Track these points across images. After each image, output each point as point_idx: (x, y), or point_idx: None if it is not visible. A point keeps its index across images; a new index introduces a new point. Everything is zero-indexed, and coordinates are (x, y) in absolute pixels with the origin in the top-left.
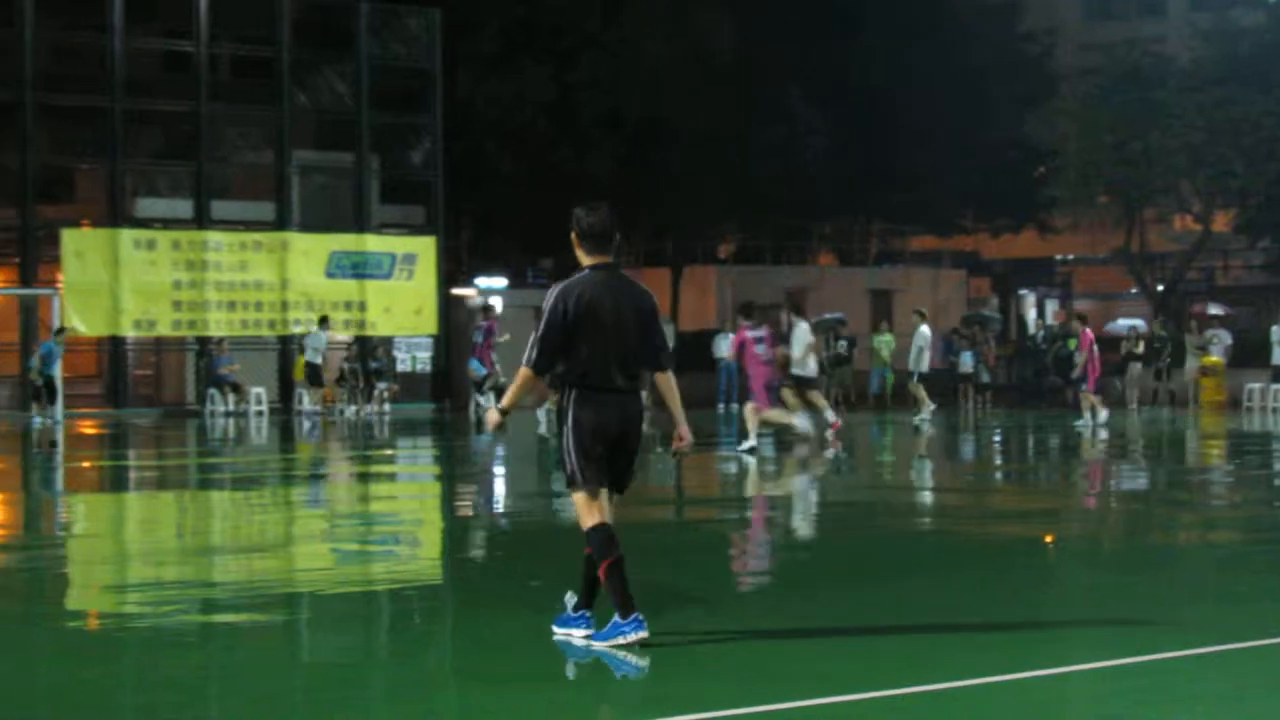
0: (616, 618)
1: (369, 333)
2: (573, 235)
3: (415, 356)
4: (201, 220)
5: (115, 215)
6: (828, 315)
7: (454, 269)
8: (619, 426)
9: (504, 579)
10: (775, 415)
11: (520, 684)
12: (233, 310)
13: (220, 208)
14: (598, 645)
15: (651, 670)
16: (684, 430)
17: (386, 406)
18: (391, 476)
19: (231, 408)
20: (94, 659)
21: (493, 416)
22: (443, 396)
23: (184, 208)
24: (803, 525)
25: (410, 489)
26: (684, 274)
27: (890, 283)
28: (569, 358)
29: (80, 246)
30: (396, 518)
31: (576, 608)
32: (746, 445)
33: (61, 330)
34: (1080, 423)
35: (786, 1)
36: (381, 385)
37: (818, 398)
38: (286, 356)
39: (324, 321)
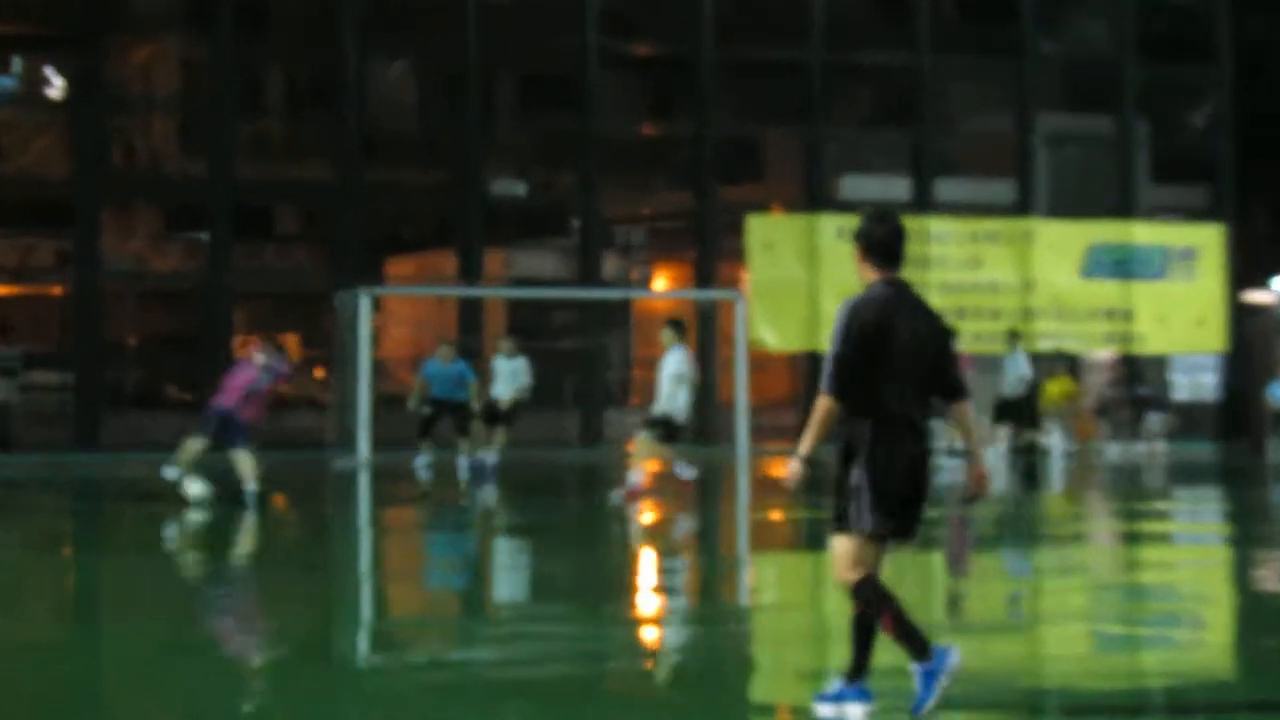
0: (923, 665)
1: (1136, 349)
2: (858, 249)
3: (1197, 381)
4: (922, 203)
5: (813, 197)
6: None
7: (1246, 266)
8: (913, 466)
9: None
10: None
11: None
12: (963, 319)
13: (945, 187)
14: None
15: None
16: (982, 469)
17: (1160, 445)
18: (1166, 537)
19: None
20: None
21: (792, 468)
22: (1233, 433)
23: (899, 187)
24: None
25: (1191, 554)
26: None
27: None
28: (863, 385)
29: (769, 236)
30: (1174, 592)
31: (850, 678)
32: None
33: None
34: None
35: None
36: (1154, 417)
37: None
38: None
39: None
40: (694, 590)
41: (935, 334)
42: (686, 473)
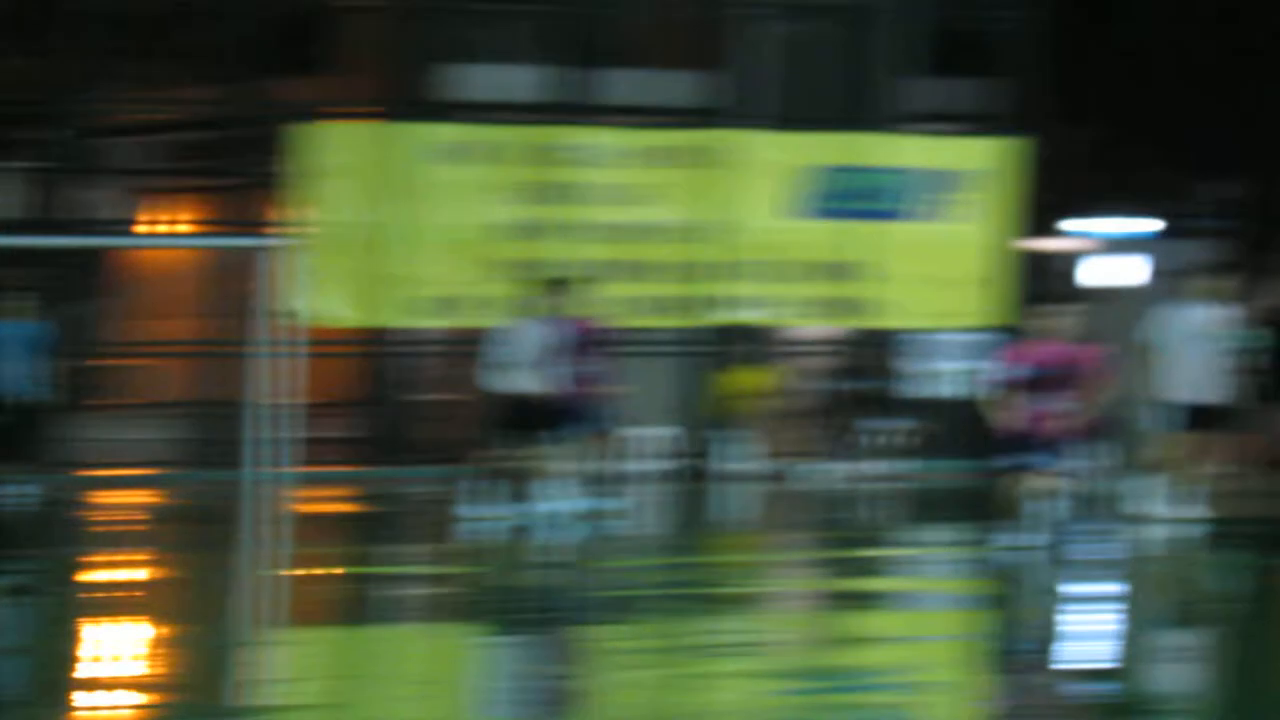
0: None
1: (872, 323)
2: None
3: (956, 371)
4: (567, 106)
5: (401, 93)
6: None
7: (1051, 201)
8: None
9: None
10: None
11: None
12: (629, 279)
13: (603, 81)
14: None
15: None
16: None
17: (889, 465)
18: (885, 597)
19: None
20: None
21: None
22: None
23: (530, 81)
24: None
25: (919, 622)
26: None
27: None
28: None
29: (331, 153)
30: (895, 672)
31: None
32: None
33: None
34: None
35: None
36: (882, 426)
37: None
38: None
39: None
40: None
41: None
42: None
